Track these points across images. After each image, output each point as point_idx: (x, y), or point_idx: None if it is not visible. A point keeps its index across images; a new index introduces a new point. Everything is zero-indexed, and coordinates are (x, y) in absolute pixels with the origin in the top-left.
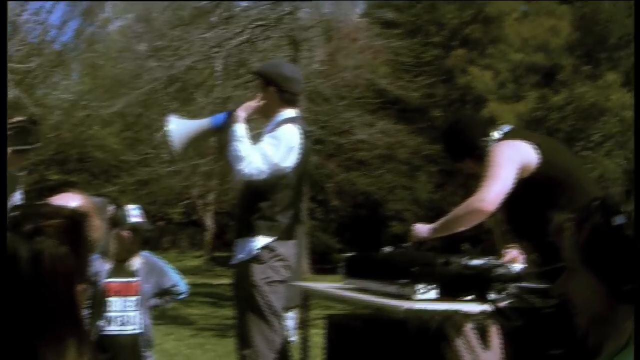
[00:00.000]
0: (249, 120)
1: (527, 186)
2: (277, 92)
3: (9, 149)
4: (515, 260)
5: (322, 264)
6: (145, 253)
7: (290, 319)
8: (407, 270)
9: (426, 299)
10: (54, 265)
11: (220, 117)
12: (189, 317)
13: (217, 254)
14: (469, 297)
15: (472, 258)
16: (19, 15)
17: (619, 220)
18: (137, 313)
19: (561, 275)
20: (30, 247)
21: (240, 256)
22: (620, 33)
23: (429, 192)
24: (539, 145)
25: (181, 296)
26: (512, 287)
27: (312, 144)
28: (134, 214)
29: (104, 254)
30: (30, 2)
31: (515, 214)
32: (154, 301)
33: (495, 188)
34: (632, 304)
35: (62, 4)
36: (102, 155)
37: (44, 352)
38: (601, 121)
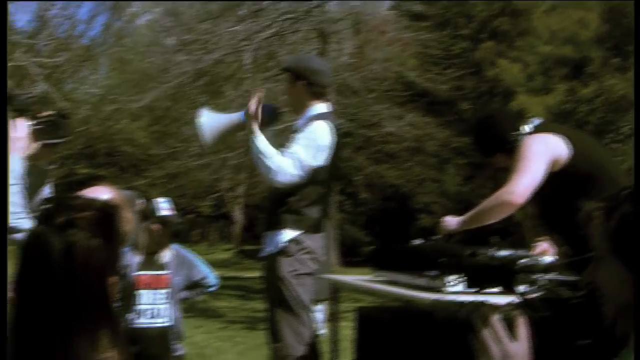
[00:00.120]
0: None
1: (557, 179)
2: (306, 85)
3: (39, 143)
4: (545, 252)
5: (350, 257)
6: (175, 246)
7: (320, 312)
8: (436, 262)
9: (456, 291)
10: (87, 257)
11: None
12: (218, 309)
13: (246, 246)
14: (496, 289)
15: (499, 249)
16: (47, 10)
17: None
18: (167, 306)
19: (589, 265)
20: (63, 239)
21: (268, 249)
22: None
23: (457, 184)
24: (569, 138)
25: (211, 289)
26: (539, 279)
27: (342, 138)
28: (163, 207)
29: (134, 247)
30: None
31: (546, 207)
32: (185, 294)
33: (525, 181)
34: None
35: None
36: (130, 149)
37: (77, 344)
38: (630, 113)
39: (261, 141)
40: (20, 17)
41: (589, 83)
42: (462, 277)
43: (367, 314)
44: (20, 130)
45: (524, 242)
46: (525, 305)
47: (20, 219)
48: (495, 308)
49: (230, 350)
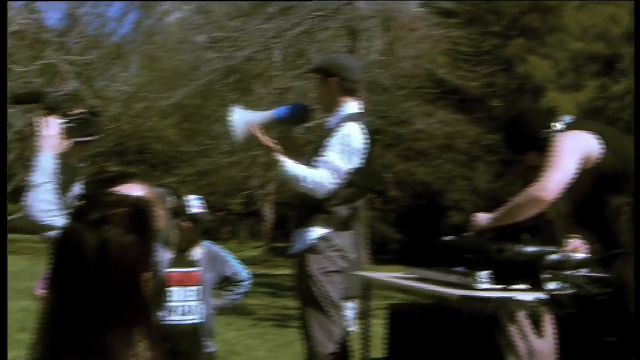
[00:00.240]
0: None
1: (589, 177)
2: (338, 82)
3: (70, 141)
4: (577, 250)
5: (381, 254)
6: (207, 243)
7: (350, 309)
8: (466, 258)
9: (488, 288)
10: (120, 253)
11: (282, 109)
12: (248, 307)
13: (276, 244)
14: (523, 285)
15: (526, 246)
16: (78, 8)
17: None
18: (198, 303)
19: (617, 261)
20: (97, 236)
21: (298, 247)
22: None
23: (487, 181)
24: (601, 135)
25: (244, 286)
26: (566, 275)
27: (373, 138)
28: (194, 204)
29: (165, 244)
30: None
31: (577, 205)
32: (221, 302)
33: (556, 178)
34: None
35: None
36: (161, 146)
37: (111, 340)
38: None
39: (290, 166)
40: (50, 15)
41: (619, 80)
42: (491, 274)
43: (398, 311)
44: (51, 127)
45: (555, 240)
46: (552, 302)
47: (54, 217)
48: (521, 304)
49: (260, 347)
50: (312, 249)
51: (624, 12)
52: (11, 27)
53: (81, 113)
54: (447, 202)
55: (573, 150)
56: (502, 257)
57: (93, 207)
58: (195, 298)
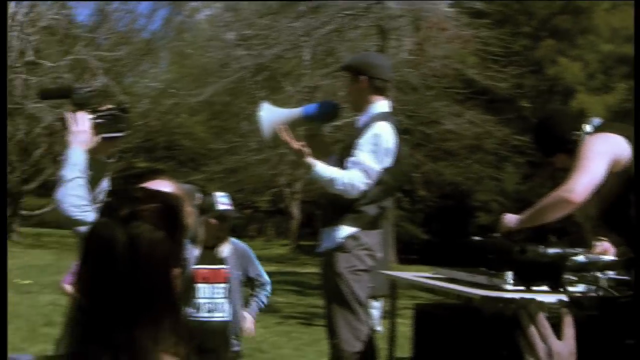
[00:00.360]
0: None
1: (619, 179)
2: (367, 81)
3: (99, 137)
4: (606, 252)
5: (407, 254)
6: (235, 240)
7: (376, 308)
8: (492, 259)
9: (515, 289)
10: (151, 249)
11: (311, 107)
12: (275, 305)
13: (303, 242)
14: (546, 287)
15: (548, 247)
16: (108, 4)
17: None
18: (225, 300)
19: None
20: (127, 231)
21: (326, 245)
22: None
23: (516, 183)
24: (631, 138)
25: (265, 290)
26: (591, 277)
27: (402, 137)
28: (222, 201)
29: (193, 241)
30: None
31: (606, 207)
32: (247, 310)
33: (584, 180)
34: None
35: None
36: (189, 143)
37: (140, 336)
38: None
39: (321, 169)
40: (81, 11)
41: None
42: (513, 274)
43: (426, 311)
44: (81, 123)
45: (583, 242)
46: (573, 304)
47: (85, 212)
48: (542, 306)
49: (286, 345)
50: (340, 248)
51: None
52: (41, 23)
53: (110, 109)
54: (475, 202)
55: (602, 153)
56: (524, 258)
57: (123, 203)
58: (222, 295)
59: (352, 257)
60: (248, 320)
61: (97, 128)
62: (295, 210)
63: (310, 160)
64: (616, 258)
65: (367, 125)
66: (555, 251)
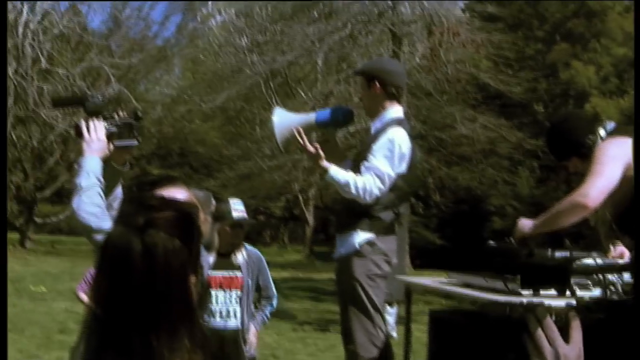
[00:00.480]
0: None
1: (633, 183)
2: (381, 87)
3: (112, 145)
4: (621, 256)
5: (422, 259)
6: (249, 247)
7: (392, 314)
8: (497, 263)
9: (530, 293)
10: (167, 258)
11: (324, 112)
12: (289, 311)
13: (318, 248)
14: (553, 291)
15: (555, 251)
16: (121, 11)
17: None
18: (238, 307)
19: None
20: (143, 240)
21: (341, 251)
22: None
23: (530, 187)
24: None
25: (270, 304)
26: (604, 280)
27: (416, 142)
28: (237, 208)
29: (208, 248)
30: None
31: (621, 211)
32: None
33: (599, 184)
34: None
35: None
36: (203, 149)
37: (156, 345)
38: None
39: (336, 173)
40: (94, 18)
41: None
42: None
43: (441, 316)
44: (97, 131)
45: (598, 246)
46: (580, 307)
47: (101, 220)
48: (549, 309)
49: (301, 351)
50: (357, 253)
51: None
52: (54, 30)
53: (123, 118)
54: (489, 207)
55: (616, 157)
56: (531, 261)
57: (138, 211)
58: (236, 302)
59: (368, 262)
60: (251, 333)
61: (111, 136)
62: (310, 216)
63: (325, 164)
64: (615, 260)
65: (381, 131)
66: (562, 254)
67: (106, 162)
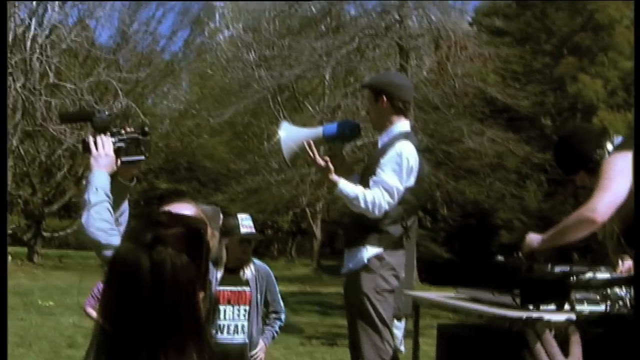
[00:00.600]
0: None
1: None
2: (388, 101)
3: (120, 160)
4: (629, 271)
5: (430, 273)
6: (257, 262)
7: (399, 328)
8: (497, 278)
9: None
10: (176, 274)
11: (332, 126)
12: (297, 325)
13: (325, 262)
14: (553, 306)
15: (555, 265)
16: (129, 25)
17: None
18: (247, 322)
19: None
20: (151, 257)
21: (350, 265)
22: None
23: (538, 201)
24: None
25: (278, 319)
26: (595, 295)
27: (424, 156)
28: (245, 224)
29: (216, 263)
30: (140, 12)
31: (629, 226)
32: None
33: (607, 199)
34: None
35: (172, 14)
36: (211, 164)
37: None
38: None
39: (344, 187)
40: (101, 33)
41: None
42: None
43: (448, 330)
44: (104, 147)
45: (606, 260)
46: (580, 322)
47: (111, 236)
48: (549, 324)
49: None
50: (365, 268)
51: None
52: (62, 45)
53: (131, 133)
54: (496, 221)
55: (624, 171)
56: (531, 276)
57: (146, 228)
58: (244, 317)
59: (377, 277)
60: (260, 348)
61: (118, 151)
62: (317, 230)
63: (335, 177)
64: (615, 274)
65: (388, 145)
66: (562, 269)
67: (113, 177)
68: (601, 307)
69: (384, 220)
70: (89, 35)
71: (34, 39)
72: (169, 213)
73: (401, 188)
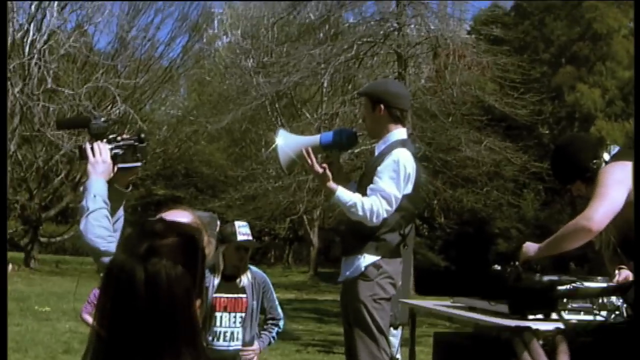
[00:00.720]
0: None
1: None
2: (386, 109)
3: (116, 166)
4: (627, 280)
5: (427, 281)
6: (254, 269)
7: (396, 337)
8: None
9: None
10: (171, 285)
11: (328, 134)
12: (294, 332)
13: (322, 269)
14: (541, 315)
15: (544, 274)
16: (127, 31)
17: None
18: (242, 329)
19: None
20: (146, 268)
21: (347, 273)
22: None
23: (535, 210)
24: None
25: (277, 326)
26: (608, 304)
27: (421, 164)
28: (242, 231)
29: (212, 270)
30: (139, 19)
31: (625, 235)
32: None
33: (603, 208)
34: None
35: (170, 21)
36: (208, 170)
37: None
38: None
39: (342, 194)
40: (100, 38)
41: None
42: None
43: (444, 338)
44: (101, 153)
45: (603, 270)
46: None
47: (109, 243)
48: (537, 333)
49: None
50: (363, 276)
51: None
52: (60, 51)
53: (127, 139)
54: (494, 229)
55: (620, 181)
56: (518, 285)
57: (142, 238)
58: (240, 324)
59: (374, 285)
60: (252, 348)
61: (114, 158)
62: (314, 237)
63: (333, 185)
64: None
65: (385, 153)
66: (549, 278)
67: (109, 183)
68: (599, 317)
69: (382, 228)
70: (87, 41)
71: (32, 44)
72: (164, 222)
73: (399, 195)
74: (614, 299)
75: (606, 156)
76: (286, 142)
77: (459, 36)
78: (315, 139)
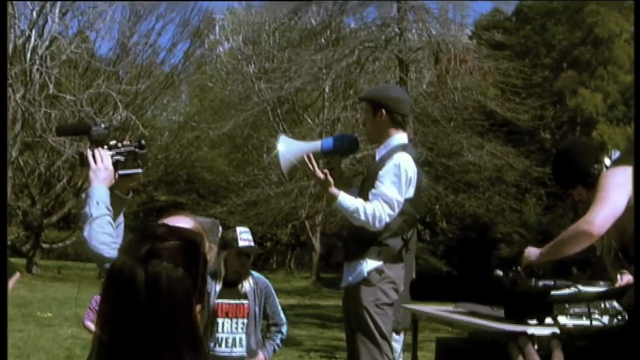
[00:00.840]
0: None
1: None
2: (386, 114)
3: (117, 173)
4: (629, 285)
5: (429, 287)
6: (256, 274)
7: (399, 341)
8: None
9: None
10: (172, 288)
11: (329, 140)
12: (296, 337)
13: (324, 275)
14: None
15: (539, 279)
16: (129, 37)
17: None
18: (245, 335)
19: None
20: (147, 270)
21: (350, 279)
22: None
23: (537, 214)
24: None
25: (280, 332)
26: (609, 309)
27: (423, 169)
28: (244, 237)
29: (214, 275)
30: (140, 25)
31: (626, 240)
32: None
33: (604, 212)
34: None
35: (172, 26)
36: (210, 176)
37: None
38: None
39: (344, 199)
40: (101, 44)
41: None
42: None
43: (447, 343)
44: (102, 160)
45: (605, 275)
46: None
47: (113, 249)
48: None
49: None
50: (365, 282)
51: None
52: (62, 56)
53: (128, 146)
54: (496, 234)
55: (622, 185)
56: (514, 290)
57: (143, 241)
58: (243, 330)
59: (377, 291)
60: (257, 359)
61: (115, 165)
62: (316, 242)
63: (335, 190)
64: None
65: (386, 157)
66: (543, 283)
67: (110, 190)
68: (599, 322)
69: (384, 233)
70: (88, 47)
71: (33, 50)
72: (165, 226)
73: (401, 200)
74: (615, 303)
75: (607, 161)
76: (287, 148)
77: (460, 41)
78: (316, 144)
